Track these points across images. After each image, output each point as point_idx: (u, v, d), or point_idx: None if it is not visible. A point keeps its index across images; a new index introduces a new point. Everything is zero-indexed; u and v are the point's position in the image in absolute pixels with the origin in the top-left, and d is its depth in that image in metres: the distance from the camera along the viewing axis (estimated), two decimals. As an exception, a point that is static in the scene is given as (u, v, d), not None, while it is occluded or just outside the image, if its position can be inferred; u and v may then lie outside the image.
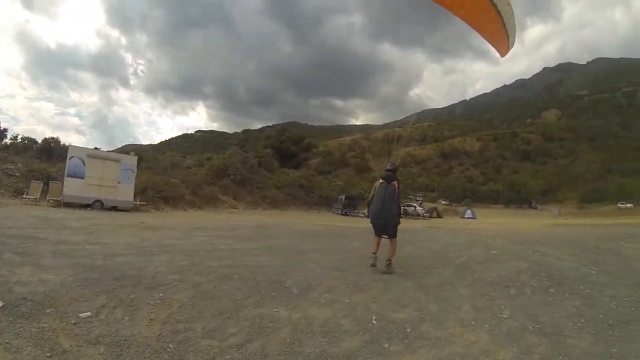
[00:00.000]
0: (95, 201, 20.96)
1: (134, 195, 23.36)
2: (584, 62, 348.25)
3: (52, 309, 4.11)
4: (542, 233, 15.38)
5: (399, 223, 7.58)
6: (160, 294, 4.97)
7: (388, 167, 7.72)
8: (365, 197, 36.57)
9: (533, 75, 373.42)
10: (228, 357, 3.51)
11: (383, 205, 7.34)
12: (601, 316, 4.75)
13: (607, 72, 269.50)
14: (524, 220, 32.86)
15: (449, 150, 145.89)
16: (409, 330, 4.30)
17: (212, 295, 5.13)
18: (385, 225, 7.48)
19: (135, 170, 23.32)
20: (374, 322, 4.51)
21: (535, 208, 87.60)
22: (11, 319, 3.79)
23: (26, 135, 43.24)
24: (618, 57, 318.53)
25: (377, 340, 4.02)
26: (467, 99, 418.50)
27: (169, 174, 34.74)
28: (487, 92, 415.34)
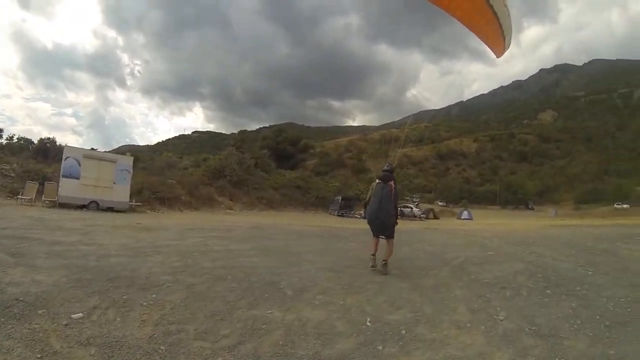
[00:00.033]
0: (91, 202, 20.84)
1: (130, 196, 23.23)
2: (581, 64, 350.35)
3: (44, 310, 4.06)
4: (538, 234, 15.37)
5: (397, 223, 7.56)
6: (154, 295, 4.92)
7: (385, 167, 7.71)
8: (362, 198, 36.57)
9: (530, 77, 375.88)
10: (220, 359, 3.47)
11: (380, 205, 7.30)
12: (598, 317, 4.73)
13: (604, 74, 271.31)
14: (520, 221, 32.89)
15: (446, 151, 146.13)
16: (403, 332, 4.26)
17: (206, 297, 5.07)
18: (383, 225, 7.45)
19: (131, 171, 23.19)
20: (368, 323, 4.46)
21: (532, 209, 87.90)
22: (3, 319, 3.74)
23: (22, 135, 43.00)
24: (614, 58, 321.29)
25: (371, 342, 3.97)
26: (464, 100, 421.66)
27: (165, 175, 34.64)
28: (484, 93, 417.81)
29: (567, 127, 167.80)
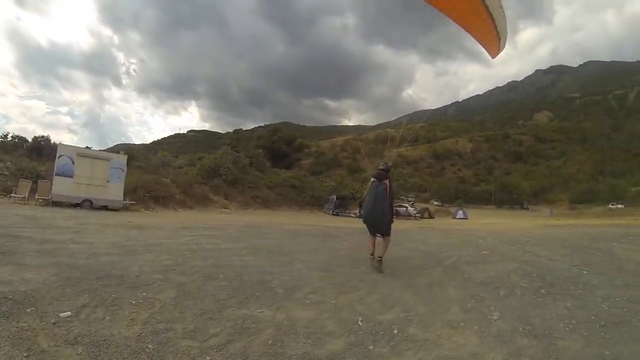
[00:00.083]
0: (84, 200, 20.66)
1: (124, 195, 23.04)
2: (576, 65, 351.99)
3: (32, 308, 4.00)
4: (533, 233, 15.39)
5: (392, 221, 7.54)
6: (143, 294, 4.85)
7: (381, 166, 7.73)
8: (357, 198, 36.54)
9: (525, 78, 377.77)
10: (208, 358, 3.41)
11: (374, 203, 7.32)
12: (593, 317, 4.69)
13: (599, 75, 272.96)
14: (515, 221, 32.94)
15: (441, 151, 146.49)
16: (395, 331, 4.20)
17: (196, 295, 5.00)
18: (377, 223, 7.46)
19: (125, 170, 22.97)
20: (359, 323, 4.40)
21: (527, 209, 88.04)
22: (-10, 318, 3.68)
23: (17, 134, 42.85)
24: (609, 60, 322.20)
25: (362, 342, 3.91)
26: (460, 100, 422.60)
27: (159, 174, 34.58)
28: (480, 93, 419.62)
29: (562, 127, 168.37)
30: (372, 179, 7.59)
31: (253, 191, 40.22)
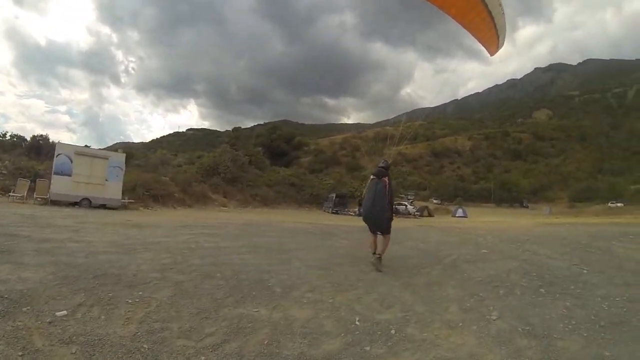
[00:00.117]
0: (83, 199, 20.64)
1: (123, 193, 23.04)
2: (575, 63, 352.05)
3: (28, 307, 3.99)
4: (532, 232, 15.37)
5: (392, 218, 7.52)
6: (140, 293, 4.82)
7: (381, 164, 7.70)
8: (357, 196, 36.51)
9: (524, 75, 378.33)
10: (203, 358, 3.39)
11: (374, 201, 7.32)
12: (592, 317, 4.67)
13: (598, 73, 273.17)
14: (515, 219, 32.99)
15: (441, 149, 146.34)
16: (393, 331, 4.16)
17: (192, 294, 4.97)
18: (377, 221, 7.46)
19: (124, 168, 22.92)
20: (357, 323, 4.37)
21: (527, 207, 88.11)
22: (-14, 317, 3.66)
23: (16, 132, 42.85)
24: (608, 58, 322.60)
25: (359, 342, 3.87)
26: (459, 98, 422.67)
27: (158, 172, 34.59)
28: (479, 91, 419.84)
29: (561, 125, 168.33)
30: (372, 177, 7.59)
31: (252, 189, 40.21)
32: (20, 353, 3.14)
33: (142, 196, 26.72)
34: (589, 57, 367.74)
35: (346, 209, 40.82)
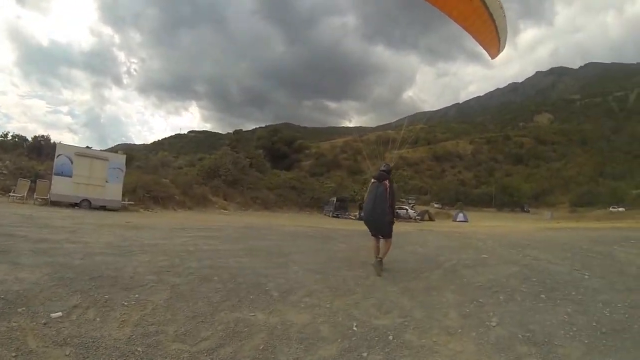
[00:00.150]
0: (83, 200, 20.62)
1: (123, 195, 23.04)
2: (577, 67, 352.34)
3: (24, 308, 3.99)
4: (533, 237, 15.31)
5: (393, 222, 7.48)
6: (136, 295, 4.80)
7: (382, 167, 7.66)
8: (357, 200, 36.47)
9: (526, 79, 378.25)
10: None
11: (374, 204, 7.27)
12: (594, 324, 4.60)
13: (599, 77, 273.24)
14: (516, 224, 32.95)
15: (442, 152, 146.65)
16: (390, 337, 4.11)
17: (189, 298, 4.94)
18: (377, 225, 7.42)
19: (124, 169, 22.94)
20: (354, 328, 4.32)
21: (528, 211, 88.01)
22: (-19, 318, 3.65)
23: (17, 133, 43.01)
24: (610, 61, 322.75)
25: (355, 348, 3.83)
26: (460, 102, 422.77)
27: (159, 174, 34.59)
28: (480, 95, 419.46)
29: (562, 129, 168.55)
30: (373, 180, 7.54)
31: (253, 192, 40.14)
32: (14, 354, 3.14)
33: (142, 198, 26.68)
34: (590, 61, 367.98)
35: (347, 213, 40.78)
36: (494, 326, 4.51)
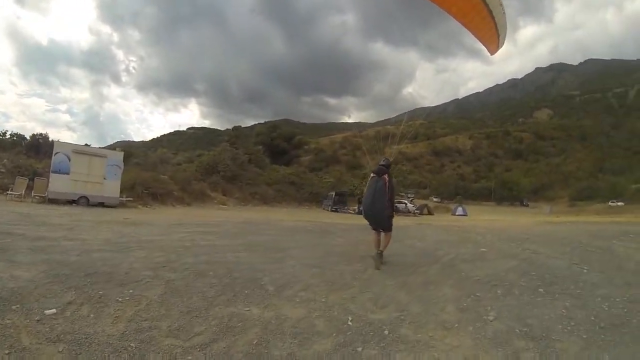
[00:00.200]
0: (81, 197, 20.62)
1: (122, 192, 23.10)
2: (576, 63, 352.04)
3: (18, 305, 4.00)
4: (532, 231, 15.34)
5: (393, 216, 7.52)
6: (131, 291, 4.78)
7: (382, 162, 7.66)
8: (356, 194, 36.49)
9: (525, 75, 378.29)
10: (190, 357, 3.33)
11: (373, 199, 7.30)
12: (592, 318, 4.55)
13: (599, 73, 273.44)
14: (515, 218, 33.02)
15: (441, 148, 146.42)
16: (386, 332, 4.05)
17: (184, 293, 4.91)
18: (377, 219, 7.46)
19: (122, 166, 22.94)
20: (349, 323, 4.27)
21: (527, 206, 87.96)
22: (-24, 315, 3.65)
23: (16, 131, 42.94)
24: (609, 58, 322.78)
25: (350, 342, 3.78)
26: (460, 97, 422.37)
27: (158, 171, 34.57)
28: (480, 91, 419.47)
29: (562, 125, 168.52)
30: (372, 175, 7.57)
31: (252, 187, 40.12)
32: (7, 351, 3.14)
33: (140, 194, 26.66)
34: (589, 57, 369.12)
35: (345, 207, 40.90)
36: (491, 320, 4.46)
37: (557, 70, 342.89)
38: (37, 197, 20.42)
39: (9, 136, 40.61)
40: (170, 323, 3.94)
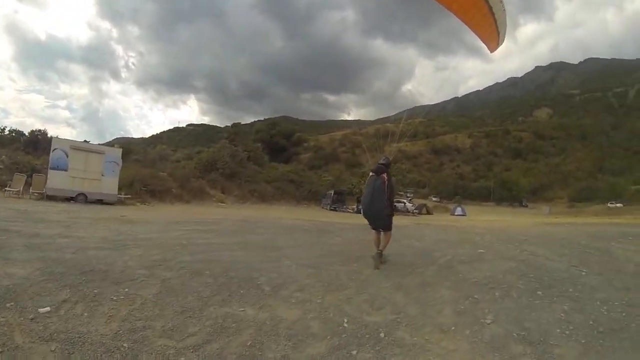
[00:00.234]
0: (79, 194, 20.60)
1: (120, 189, 23.11)
2: (576, 62, 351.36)
3: (12, 303, 4.02)
4: (531, 232, 15.25)
5: (392, 215, 7.48)
6: (126, 290, 4.78)
7: (381, 160, 7.61)
8: (355, 193, 36.51)
9: (525, 74, 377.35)
10: (183, 358, 3.35)
11: (372, 197, 7.25)
12: (591, 322, 4.49)
13: (599, 72, 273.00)
14: (514, 219, 32.94)
15: (440, 146, 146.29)
16: (382, 335, 4.03)
17: (179, 292, 4.91)
18: (375, 218, 7.42)
19: (120, 163, 22.98)
20: (345, 325, 4.25)
21: (526, 206, 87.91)
22: (-30, 313, 3.62)
23: (15, 127, 42.95)
24: (609, 57, 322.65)
25: (345, 345, 3.76)
26: (459, 95, 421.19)
27: (157, 168, 34.57)
28: (480, 89, 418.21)
29: (562, 124, 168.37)
30: (371, 173, 7.51)
31: (250, 185, 40.14)
32: (0, 350, 3.15)
33: (139, 191, 26.67)
34: (590, 56, 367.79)
35: (344, 206, 40.92)
36: (488, 324, 4.42)
37: (557, 69, 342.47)
38: (35, 194, 20.36)
39: (7, 132, 40.64)
40: (164, 323, 3.93)
